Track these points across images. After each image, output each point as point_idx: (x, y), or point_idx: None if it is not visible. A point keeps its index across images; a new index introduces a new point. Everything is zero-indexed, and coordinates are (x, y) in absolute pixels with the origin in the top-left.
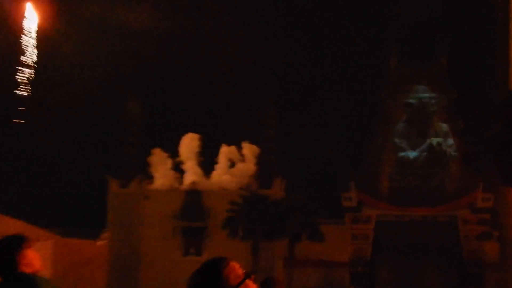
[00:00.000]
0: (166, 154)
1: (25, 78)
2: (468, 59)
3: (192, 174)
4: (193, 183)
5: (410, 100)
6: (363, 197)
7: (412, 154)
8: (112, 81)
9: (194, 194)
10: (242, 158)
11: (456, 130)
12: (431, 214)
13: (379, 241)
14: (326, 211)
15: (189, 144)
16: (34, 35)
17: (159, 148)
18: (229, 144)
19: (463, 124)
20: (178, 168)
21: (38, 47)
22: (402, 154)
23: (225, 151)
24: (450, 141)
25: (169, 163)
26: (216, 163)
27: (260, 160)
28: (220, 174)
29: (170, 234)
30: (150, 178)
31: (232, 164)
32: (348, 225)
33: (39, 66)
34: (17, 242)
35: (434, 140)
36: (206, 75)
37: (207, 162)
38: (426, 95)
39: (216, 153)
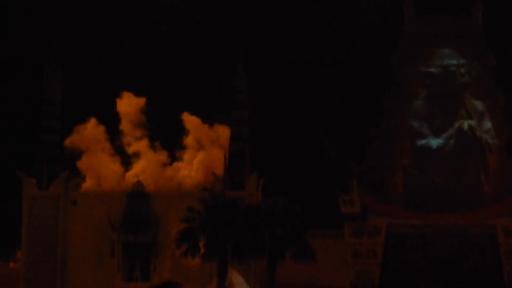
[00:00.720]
0: (102, 132)
1: None
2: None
3: (137, 167)
4: (138, 182)
5: (432, 69)
6: (368, 201)
7: (435, 142)
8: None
9: (139, 198)
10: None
11: (494, 109)
12: (462, 223)
13: (390, 260)
14: (318, 220)
15: (128, 109)
16: None
17: (93, 119)
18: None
19: (504, 101)
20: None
21: None
22: (421, 142)
23: (192, 126)
24: (487, 124)
25: (107, 148)
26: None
27: (230, 150)
28: (179, 167)
29: (106, 252)
30: (78, 176)
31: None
32: (348, 239)
33: None
34: None
35: (466, 123)
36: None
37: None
38: (453, 61)
39: (171, 128)
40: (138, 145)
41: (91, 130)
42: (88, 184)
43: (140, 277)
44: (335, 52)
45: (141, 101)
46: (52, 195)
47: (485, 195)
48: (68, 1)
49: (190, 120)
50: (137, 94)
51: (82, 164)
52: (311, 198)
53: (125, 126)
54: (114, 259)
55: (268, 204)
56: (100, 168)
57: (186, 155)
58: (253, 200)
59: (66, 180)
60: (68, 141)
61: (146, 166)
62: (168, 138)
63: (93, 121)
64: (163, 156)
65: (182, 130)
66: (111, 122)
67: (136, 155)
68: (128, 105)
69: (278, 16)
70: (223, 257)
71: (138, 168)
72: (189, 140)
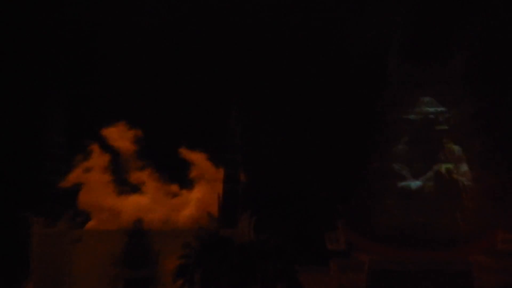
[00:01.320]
0: (106, 161)
1: None
2: (488, 63)
3: (136, 206)
4: (138, 220)
5: (413, 116)
6: (353, 238)
7: (415, 183)
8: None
9: (138, 236)
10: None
11: (471, 153)
12: (439, 260)
13: None
14: (306, 257)
15: (122, 141)
16: None
17: (96, 147)
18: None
19: (481, 147)
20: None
21: None
22: (402, 183)
23: (197, 161)
24: (464, 167)
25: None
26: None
27: (223, 190)
28: (177, 203)
29: (108, 287)
30: (83, 213)
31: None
32: (334, 274)
33: None
34: None
35: (443, 166)
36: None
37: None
38: (432, 109)
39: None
40: (139, 176)
41: (95, 160)
42: (92, 221)
43: None
44: (322, 98)
45: (137, 133)
46: (58, 232)
47: (461, 234)
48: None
49: (193, 155)
50: (132, 125)
51: (85, 198)
52: (300, 236)
53: (124, 156)
54: None
55: (260, 242)
56: (102, 203)
57: (184, 191)
58: (246, 238)
59: (71, 218)
60: (72, 177)
61: (147, 201)
62: (166, 171)
63: (96, 149)
64: (162, 189)
65: (179, 164)
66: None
67: (137, 188)
68: (122, 136)
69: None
70: None
71: (138, 203)
72: (192, 174)
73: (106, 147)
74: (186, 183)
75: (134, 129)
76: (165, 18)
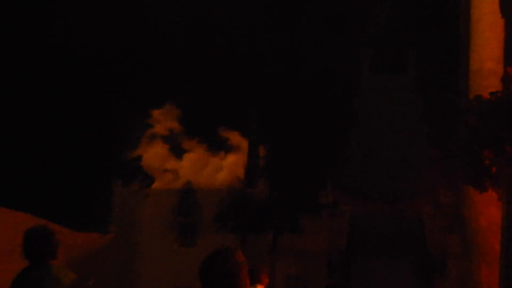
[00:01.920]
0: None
1: None
2: (433, 70)
3: (187, 172)
4: (188, 182)
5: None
6: (338, 194)
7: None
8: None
9: (188, 193)
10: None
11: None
12: (398, 209)
13: (353, 233)
14: (305, 207)
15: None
16: None
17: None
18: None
19: (428, 130)
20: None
21: None
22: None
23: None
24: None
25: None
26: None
27: (248, 161)
28: (217, 170)
29: (168, 229)
30: (150, 177)
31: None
32: (325, 220)
33: None
34: (47, 234)
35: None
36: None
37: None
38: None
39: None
40: (188, 147)
41: (156, 131)
42: (156, 182)
43: (190, 244)
44: (314, 97)
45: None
46: (132, 191)
47: (415, 191)
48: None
49: (228, 133)
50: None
51: (149, 163)
52: (301, 193)
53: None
54: (172, 233)
55: (272, 198)
56: (163, 168)
57: (219, 158)
58: (263, 195)
59: (142, 180)
60: (140, 148)
61: (195, 166)
62: (207, 143)
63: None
64: (205, 158)
65: (217, 139)
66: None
67: (187, 156)
68: (171, 116)
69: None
70: (243, 232)
71: (189, 168)
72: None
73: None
74: (222, 153)
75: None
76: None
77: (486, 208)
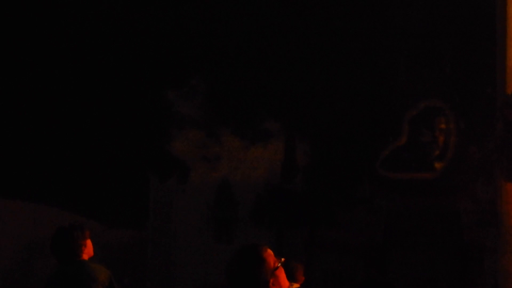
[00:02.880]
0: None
1: None
2: (468, 65)
3: (224, 166)
4: (224, 177)
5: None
6: (374, 189)
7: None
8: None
9: (225, 187)
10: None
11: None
12: (437, 203)
13: (389, 228)
14: (342, 202)
15: None
16: None
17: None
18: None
19: (465, 125)
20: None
21: None
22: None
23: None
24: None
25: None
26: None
27: (284, 157)
28: (249, 170)
29: (204, 224)
30: (187, 171)
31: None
32: (361, 214)
33: None
34: (81, 232)
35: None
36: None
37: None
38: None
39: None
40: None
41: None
42: (193, 177)
43: (226, 240)
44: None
45: None
46: (168, 186)
47: (453, 186)
48: None
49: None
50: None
51: (182, 154)
52: (338, 187)
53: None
54: (209, 228)
55: (309, 192)
56: (197, 159)
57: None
58: (300, 190)
59: (178, 175)
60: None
61: (230, 158)
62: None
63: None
64: (243, 152)
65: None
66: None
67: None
68: None
69: None
70: (280, 227)
71: (226, 164)
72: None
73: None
74: (260, 145)
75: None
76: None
77: None
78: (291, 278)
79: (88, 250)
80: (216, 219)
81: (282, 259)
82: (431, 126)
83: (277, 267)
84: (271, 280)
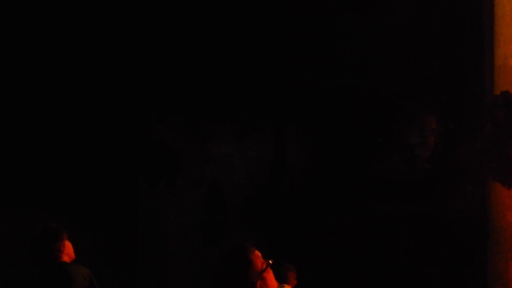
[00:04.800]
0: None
1: None
2: (456, 66)
3: (213, 169)
4: (213, 180)
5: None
6: (365, 190)
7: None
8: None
9: (214, 191)
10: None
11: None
12: (426, 205)
13: (379, 230)
14: (331, 203)
15: None
16: None
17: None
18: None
19: (453, 126)
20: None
21: None
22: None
23: None
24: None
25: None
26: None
27: (274, 158)
28: (238, 172)
29: (193, 226)
30: (175, 175)
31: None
32: (351, 215)
33: None
34: (57, 234)
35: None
36: None
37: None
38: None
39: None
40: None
41: None
42: (181, 180)
43: (216, 242)
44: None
45: None
46: (157, 189)
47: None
48: None
49: None
50: None
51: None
52: (329, 191)
53: None
54: (198, 231)
55: (300, 194)
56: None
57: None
58: (290, 191)
59: (168, 179)
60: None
61: (219, 162)
62: None
63: None
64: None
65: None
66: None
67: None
68: None
69: None
70: (269, 229)
71: (213, 161)
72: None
73: None
74: (249, 144)
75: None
76: None
77: None
78: (284, 280)
79: (68, 251)
80: (205, 221)
81: (271, 261)
82: (421, 127)
83: (265, 269)
84: (258, 282)
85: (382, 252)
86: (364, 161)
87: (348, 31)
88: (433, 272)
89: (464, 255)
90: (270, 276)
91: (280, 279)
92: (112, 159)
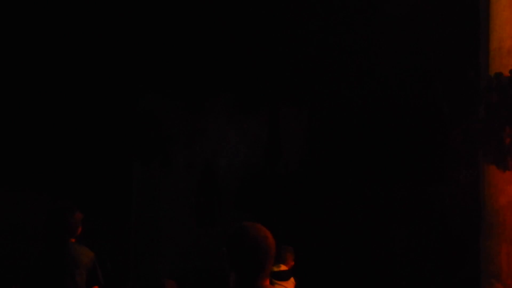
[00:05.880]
0: None
1: None
2: (451, 48)
3: (208, 151)
4: (207, 162)
5: None
6: (359, 174)
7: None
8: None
9: (208, 173)
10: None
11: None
12: (420, 189)
13: (373, 214)
14: (326, 186)
15: None
16: None
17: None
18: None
19: (448, 109)
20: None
21: None
22: None
23: None
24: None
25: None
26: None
27: (269, 141)
28: (232, 155)
29: (187, 208)
30: (169, 156)
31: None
32: (345, 199)
33: None
34: (69, 211)
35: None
36: None
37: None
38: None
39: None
40: None
41: None
42: (176, 161)
43: (209, 223)
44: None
45: None
46: (151, 170)
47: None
48: None
49: None
50: None
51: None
52: (321, 173)
53: None
54: (192, 212)
55: (293, 177)
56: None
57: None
58: (284, 173)
59: (162, 159)
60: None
61: (213, 144)
62: None
63: None
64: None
65: None
66: None
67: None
68: None
69: None
70: (262, 211)
71: (208, 148)
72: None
73: None
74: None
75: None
76: None
77: (507, 187)
78: (282, 261)
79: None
80: (199, 202)
81: None
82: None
83: None
84: None
85: (376, 235)
86: (359, 145)
87: (344, 14)
88: (427, 255)
89: (459, 238)
90: None
91: (278, 259)
92: (107, 141)
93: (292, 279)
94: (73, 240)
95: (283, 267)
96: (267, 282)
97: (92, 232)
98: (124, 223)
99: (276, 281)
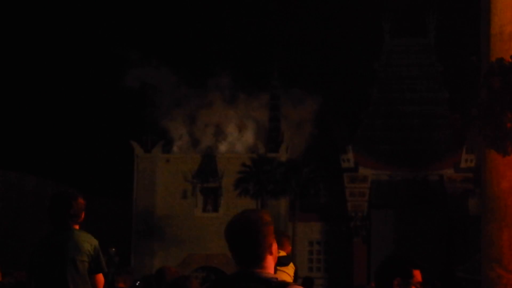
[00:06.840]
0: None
1: None
2: (453, 34)
3: (208, 136)
4: (209, 147)
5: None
6: (359, 159)
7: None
8: None
9: (209, 158)
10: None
11: (442, 99)
12: (420, 172)
13: (373, 197)
14: (326, 172)
15: None
16: None
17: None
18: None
19: (449, 94)
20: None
21: None
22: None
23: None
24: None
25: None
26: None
27: (269, 126)
28: (233, 140)
29: (189, 193)
30: (170, 142)
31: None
32: (346, 184)
33: None
34: (70, 198)
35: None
36: None
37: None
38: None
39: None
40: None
41: None
42: (176, 148)
43: (211, 209)
44: (336, 61)
45: None
46: (153, 156)
47: (435, 155)
48: None
49: None
50: None
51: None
52: (322, 158)
53: None
54: (194, 198)
55: (293, 162)
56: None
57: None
58: (283, 159)
59: (163, 145)
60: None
61: (215, 130)
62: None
63: None
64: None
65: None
66: None
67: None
68: None
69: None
70: (264, 196)
71: (208, 131)
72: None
73: None
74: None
75: None
76: None
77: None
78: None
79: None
80: (201, 188)
81: None
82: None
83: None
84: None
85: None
86: (358, 130)
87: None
88: (428, 239)
89: (459, 222)
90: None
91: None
92: (110, 126)
93: (291, 264)
94: (76, 226)
95: (282, 253)
96: (266, 271)
97: (93, 215)
98: (125, 207)
99: (277, 267)
